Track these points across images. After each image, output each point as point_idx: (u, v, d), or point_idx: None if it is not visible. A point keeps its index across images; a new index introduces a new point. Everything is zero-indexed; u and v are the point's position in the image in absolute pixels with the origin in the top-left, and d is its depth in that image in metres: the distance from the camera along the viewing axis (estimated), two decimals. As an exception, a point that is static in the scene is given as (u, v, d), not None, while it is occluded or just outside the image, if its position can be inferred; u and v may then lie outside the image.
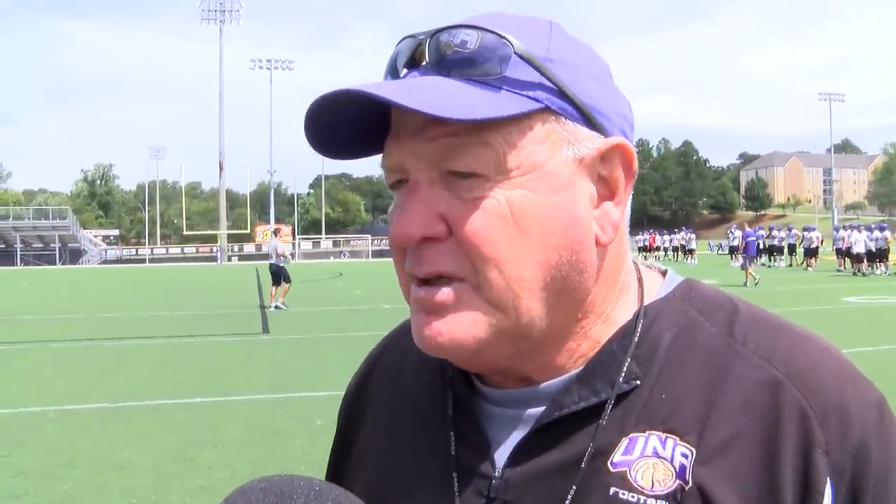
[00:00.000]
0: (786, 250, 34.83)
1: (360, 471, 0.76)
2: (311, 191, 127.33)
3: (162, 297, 21.32)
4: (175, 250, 74.72)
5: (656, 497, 0.60)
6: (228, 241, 71.39)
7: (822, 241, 32.53)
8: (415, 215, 0.61)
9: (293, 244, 64.54)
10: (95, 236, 75.82)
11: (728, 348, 0.64)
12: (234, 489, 0.62)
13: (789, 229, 36.63)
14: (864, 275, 25.35)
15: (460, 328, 0.62)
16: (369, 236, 71.03)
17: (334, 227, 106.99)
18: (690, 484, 0.60)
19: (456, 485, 0.67)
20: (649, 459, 0.61)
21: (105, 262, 64.84)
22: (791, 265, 33.16)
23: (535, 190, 0.61)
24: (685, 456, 0.60)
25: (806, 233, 31.37)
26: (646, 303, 0.68)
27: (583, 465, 0.63)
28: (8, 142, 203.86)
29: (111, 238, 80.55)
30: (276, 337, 12.13)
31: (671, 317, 0.67)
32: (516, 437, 0.66)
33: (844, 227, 29.88)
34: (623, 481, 0.61)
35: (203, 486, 4.77)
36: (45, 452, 5.55)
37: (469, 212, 0.60)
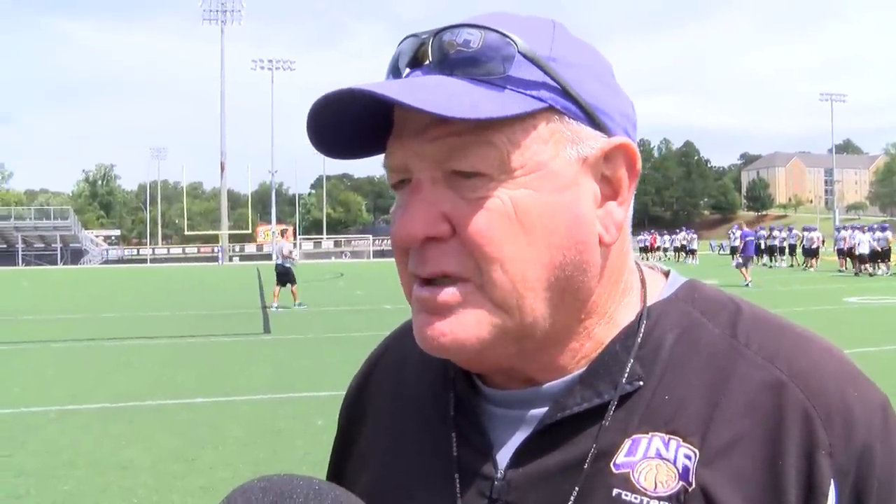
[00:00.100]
0: (787, 250, 34.84)
1: (362, 471, 0.76)
2: (313, 191, 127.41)
3: (163, 298, 21.33)
4: (176, 250, 74.70)
5: (659, 498, 0.60)
6: (230, 242, 71.48)
7: (823, 242, 32.53)
8: (418, 215, 0.61)
9: (294, 244, 64.53)
10: (97, 236, 75.92)
11: (731, 349, 0.64)
12: (234, 488, 0.62)
13: (790, 230, 36.61)
14: (869, 275, 25.34)
15: (463, 328, 0.61)
16: (370, 236, 71.01)
17: (335, 227, 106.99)
18: (694, 485, 0.59)
19: (458, 486, 0.67)
20: (652, 461, 0.61)
21: (106, 262, 64.89)
22: (792, 265, 33.16)
23: (539, 189, 0.60)
24: (688, 457, 0.60)
25: (806, 233, 31.36)
26: (649, 303, 0.68)
27: (585, 467, 0.62)
28: (9, 142, 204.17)
29: (112, 238, 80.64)
30: (278, 337, 12.13)
31: (674, 318, 0.67)
32: (519, 438, 0.66)
33: (846, 228, 29.85)
34: (626, 483, 0.61)
35: (204, 486, 4.77)
36: (46, 452, 5.55)
37: (473, 211, 0.60)
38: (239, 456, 5.41)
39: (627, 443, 0.62)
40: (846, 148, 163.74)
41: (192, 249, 73.11)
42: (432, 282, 0.62)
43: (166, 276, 35.69)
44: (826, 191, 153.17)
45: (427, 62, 0.62)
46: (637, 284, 0.70)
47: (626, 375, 0.64)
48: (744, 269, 21.19)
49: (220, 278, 32.33)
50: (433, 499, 0.68)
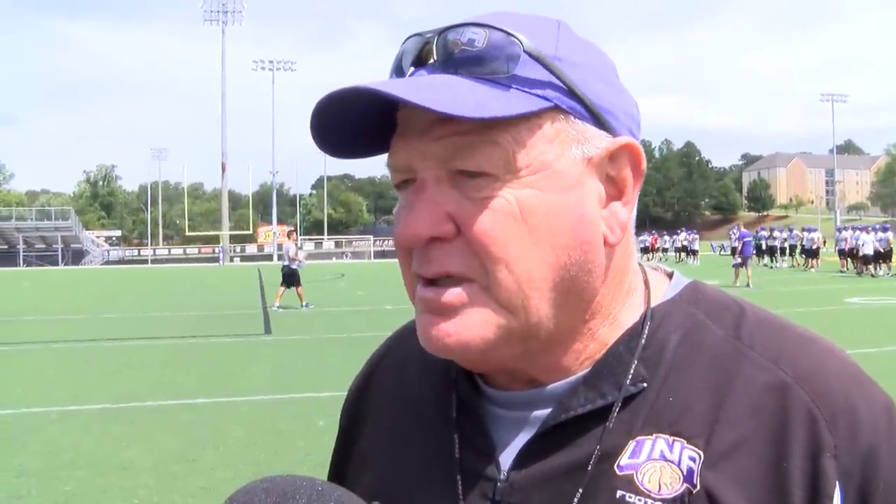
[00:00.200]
0: (787, 251, 34.82)
1: (363, 472, 0.76)
2: (314, 191, 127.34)
3: (164, 298, 21.34)
4: (177, 251, 74.72)
5: (663, 500, 0.59)
6: (231, 242, 71.51)
7: (823, 242, 32.51)
8: (423, 215, 0.60)
9: (299, 245, 64.50)
10: (98, 237, 76.02)
11: (735, 351, 0.64)
12: (236, 489, 0.61)
13: (790, 230, 36.59)
14: (872, 276, 25.32)
15: (468, 329, 0.61)
16: (371, 237, 71.09)
17: (336, 227, 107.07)
18: (698, 487, 0.59)
19: (460, 487, 0.67)
20: (656, 462, 0.61)
21: (107, 262, 64.92)
22: (793, 266, 33.14)
23: (545, 189, 0.60)
24: (693, 459, 0.60)
25: (806, 233, 31.35)
26: (652, 305, 0.68)
27: (589, 468, 0.62)
28: (10, 143, 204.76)
29: (113, 239, 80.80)
30: (279, 338, 12.13)
31: (678, 319, 0.67)
32: (522, 439, 0.66)
33: (847, 228, 29.83)
34: (630, 484, 0.61)
35: (205, 486, 4.77)
36: (47, 453, 5.55)
37: (478, 211, 0.60)
38: (240, 457, 5.41)
39: (631, 444, 0.62)
40: (847, 148, 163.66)
41: (192, 250, 73.15)
42: (436, 282, 0.62)
43: (167, 277, 35.70)
44: (827, 191, 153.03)
45: (431, 61, 0.62)
46: (641, 286, 0.69)
47: (629, 377, 0.64)
48: (740, 270, 21.19)
49: (221, 279, 32.34)
50: (435, 500, 0.67)
